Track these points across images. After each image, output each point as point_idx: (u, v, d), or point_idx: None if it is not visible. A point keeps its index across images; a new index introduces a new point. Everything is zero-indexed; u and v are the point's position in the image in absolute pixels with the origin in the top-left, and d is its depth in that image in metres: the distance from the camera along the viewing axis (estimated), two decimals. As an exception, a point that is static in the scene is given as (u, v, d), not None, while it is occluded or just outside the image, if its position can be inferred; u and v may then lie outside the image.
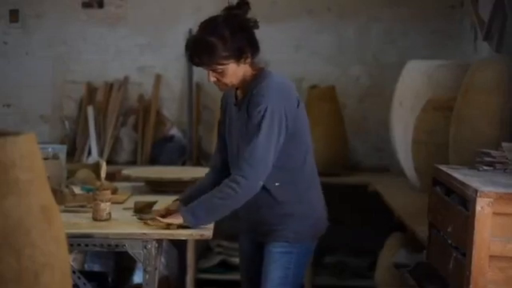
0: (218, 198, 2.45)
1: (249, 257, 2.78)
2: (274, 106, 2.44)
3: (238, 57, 2.46)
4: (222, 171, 2.65)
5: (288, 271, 2.58)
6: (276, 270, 2.57)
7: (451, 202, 2.39)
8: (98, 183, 2.71)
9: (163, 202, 2.99)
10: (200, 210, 2.47)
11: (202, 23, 2.50)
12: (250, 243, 2.75)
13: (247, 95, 2.53)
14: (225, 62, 2.44)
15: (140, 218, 2.66)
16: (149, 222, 2.58)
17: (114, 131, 5.02)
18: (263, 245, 2.63)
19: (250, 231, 2.71)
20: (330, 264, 4.85)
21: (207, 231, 2.55)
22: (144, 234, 2.52)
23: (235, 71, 2.49)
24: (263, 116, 2.42)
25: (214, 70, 2.48)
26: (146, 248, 2.50)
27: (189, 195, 2.69)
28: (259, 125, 2.43)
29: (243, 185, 2.42)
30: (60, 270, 1.49)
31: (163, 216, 2.56)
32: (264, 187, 2.48)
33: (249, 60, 2.50)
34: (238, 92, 2.62)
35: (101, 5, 5.09)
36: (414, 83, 3.98)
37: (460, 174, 2.39)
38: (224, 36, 2.43)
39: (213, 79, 2.51)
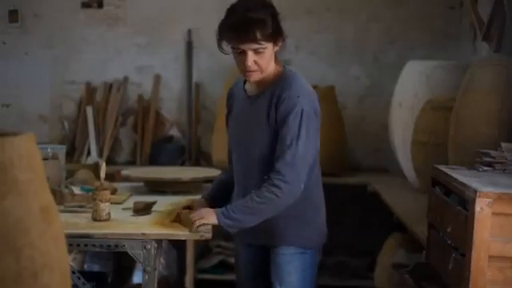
0: (257, 202, 2.40)
1: (250, 260, 2.72)
2: (309, 108, 2.42)
3: (276, 39, 2.42)
4: None
5: (305, 273, 2.57)
6: (293, 272, 2.54)
7: (450, 202, 2.39)
8: (98, 183, 2.71)
9: (162, 202, 2.99)
10: (237, 213, 2.42)
11: (243, 1, 2.44)
12: (249, 246, 2.70)
13: (269, 90, 2.48)
14: (268, 40, 2.39)
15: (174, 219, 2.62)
16: (182, 216, 2.56)
17: (113, 131, 5.02)
18: (268, 248, 2.59)
19: (254, 233, 2.59)
20: (330, 264, 4.85)
21: (206, 232, 2.55)
22: (143, 234, 2.52)
23: (269, 56, 2.44)
24: (301, 118, 2.39)
25: (255, 51, 2.40)
26: (145, 248, 2.50)
27: (212, 193, 2.72)
28: (299, 128, 2.38)
29: (286, 190, 2.38)
30: (59, 270, 1.49)
31: (187, 208, 2.60)
32: None
33: (279, 46, 2.46)
34: (250, 85, 2.57)
35: (100, 5, 5.10)
36: (414, 84, 3.98)
37: (459, 175, 2.39)
38: (269, 14, 2.40)
39: (251, 62, 2.41)
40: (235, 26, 2.38)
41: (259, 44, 2.38)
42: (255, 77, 2.47)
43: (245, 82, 2.62)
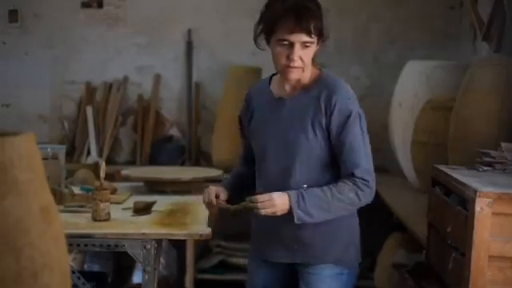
0: (338, 199, 2.25)
1: (272, 281, 2.48)
2: (361, 110, 2.37)
3: (322, 36, 2.27)
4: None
5: None
6: None
7: (450, 202, 2.39)
8: (97, 183, 2.71)
9: (162, 201, 3.00)
10: (313, 208, 2.24)
11: None
12: (272, 264, 2.45)
13: (310, 93, 2.34)
14: (317, 33, 2.24)
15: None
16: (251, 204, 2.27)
17: (113, 131, 5.02)
18: (295, 266, 2.41)
19: (283, 250, 2.39)
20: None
21: (206, 231, 2.55)
22: (143, 234, 2.52)
23: (312, 54, 2.30)
24: (360, 121, 2.33)
25: (303, 44, 2.24)
26: (145, 248, 2.50)
27: (232, 181, 2.52)
28: (361, 132, 2.33)
29: (368, 195, 2.28)
30: (59, 270, 1.49)
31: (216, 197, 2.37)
32: None
33: (320, 46, 2.31)
34: (282, 87, 2.40)
35: (100, 5, 5.09)
36: (414, 83, 3.98)
37: (459, 174, 2.39)
38: (319, 8, 2.27)
39: (297, 55, 2.25)
40: (290, 13, 2.21)
41: (310, 37, 2.23)
42: (296, 74, 2.31)
43: (270, 79, 2.47)
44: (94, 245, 2.52)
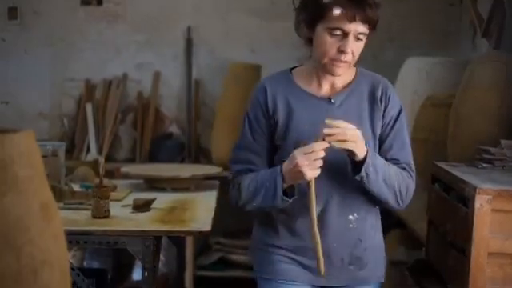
0: (397, 179, 2.02)
1: None
2: None
3: (373, 30, 2.01)
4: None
5: None
6: None
7: (450, 199, 2.39)
8: (97, 180, 2.71)
9: (162, 199, 3.00)
10: (379, 169, 1.98)
11: None
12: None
13: (361, 89, 2.11)
14: (373, 26, 2.00)
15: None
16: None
17: (112, 128, 5.02)
18: None
19: (336, 273, 2.11)
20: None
21: (205, 226, 2.56)
22: (143, 231, 2.52)
23: (361, 49, 2.05)
24: (405, 117, 2.14)
25: (356, 37, 1.98)
26: (144, 245, 2.50)
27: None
28: (406, 128, 2.13)
29: (410, 193, 2.09)
30: (59, 267, 1.49)
31: None
32: (371, 212, 2.14)
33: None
34: (314, 84, 2.13)
35: (99, 2, 5.09)
36: (413, 80, 3.98)
37: (459, 171, 2.39)
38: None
39: (351, 48, 1.98)
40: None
41: (366, 28, 1.97)
42: (343, 70, 2.03)
43: (287, 83, 2.17)
44: (93, 242, 2.52)
